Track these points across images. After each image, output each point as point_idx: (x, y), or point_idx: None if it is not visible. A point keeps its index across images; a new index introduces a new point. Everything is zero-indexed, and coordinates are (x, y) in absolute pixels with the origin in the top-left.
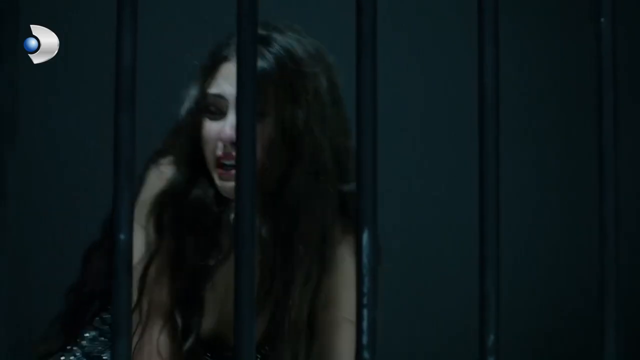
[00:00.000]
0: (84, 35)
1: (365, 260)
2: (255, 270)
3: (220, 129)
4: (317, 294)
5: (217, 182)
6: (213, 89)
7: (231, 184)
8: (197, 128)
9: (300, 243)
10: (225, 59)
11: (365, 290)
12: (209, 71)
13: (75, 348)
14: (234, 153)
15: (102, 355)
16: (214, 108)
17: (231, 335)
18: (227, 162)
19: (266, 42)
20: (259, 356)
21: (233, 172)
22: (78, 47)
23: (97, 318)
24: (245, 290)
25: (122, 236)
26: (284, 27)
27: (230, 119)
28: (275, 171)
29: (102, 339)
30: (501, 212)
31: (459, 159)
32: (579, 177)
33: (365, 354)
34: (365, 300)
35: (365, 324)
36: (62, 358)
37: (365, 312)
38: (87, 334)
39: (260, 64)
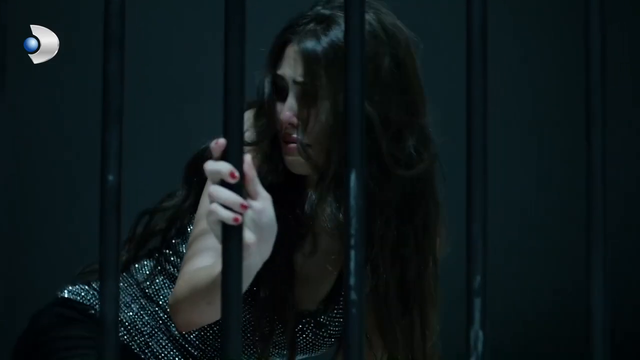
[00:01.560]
0: (84, 35)
1: (352, 202)
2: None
3: (282, 110)
4: None
5: (284, 157)
6: (278, 70)
7: (291, 158)
8: (272, 106)
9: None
10: (289, 40)
11: (352, 231)
12: (277, 53)
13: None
14: (292, 134)
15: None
16: (278, 89)
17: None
18: (288, 140)
19: (326, 24)
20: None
21: (292, 146)
22: (78, 47)
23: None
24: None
25: (110, 177)
26: None
27: (288, 100)
28: (337, 156)
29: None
30: (488, 150)
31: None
32: (573, 172)
33: (353, 295)
34: (352, 242)
35: (352, 265)
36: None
37: (352, 253)
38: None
39: (313, 47)
